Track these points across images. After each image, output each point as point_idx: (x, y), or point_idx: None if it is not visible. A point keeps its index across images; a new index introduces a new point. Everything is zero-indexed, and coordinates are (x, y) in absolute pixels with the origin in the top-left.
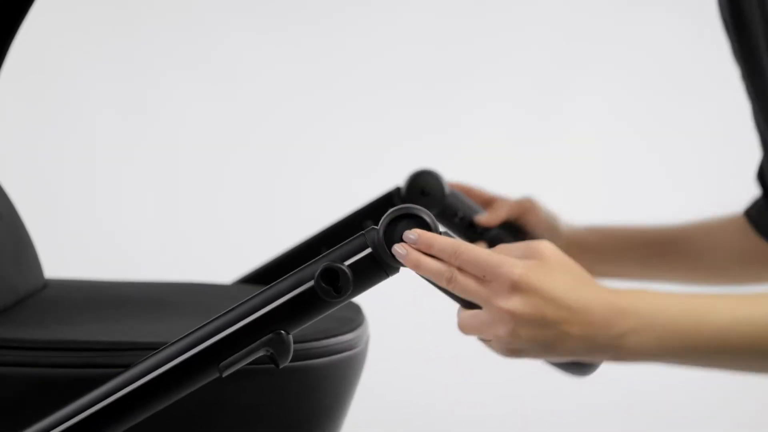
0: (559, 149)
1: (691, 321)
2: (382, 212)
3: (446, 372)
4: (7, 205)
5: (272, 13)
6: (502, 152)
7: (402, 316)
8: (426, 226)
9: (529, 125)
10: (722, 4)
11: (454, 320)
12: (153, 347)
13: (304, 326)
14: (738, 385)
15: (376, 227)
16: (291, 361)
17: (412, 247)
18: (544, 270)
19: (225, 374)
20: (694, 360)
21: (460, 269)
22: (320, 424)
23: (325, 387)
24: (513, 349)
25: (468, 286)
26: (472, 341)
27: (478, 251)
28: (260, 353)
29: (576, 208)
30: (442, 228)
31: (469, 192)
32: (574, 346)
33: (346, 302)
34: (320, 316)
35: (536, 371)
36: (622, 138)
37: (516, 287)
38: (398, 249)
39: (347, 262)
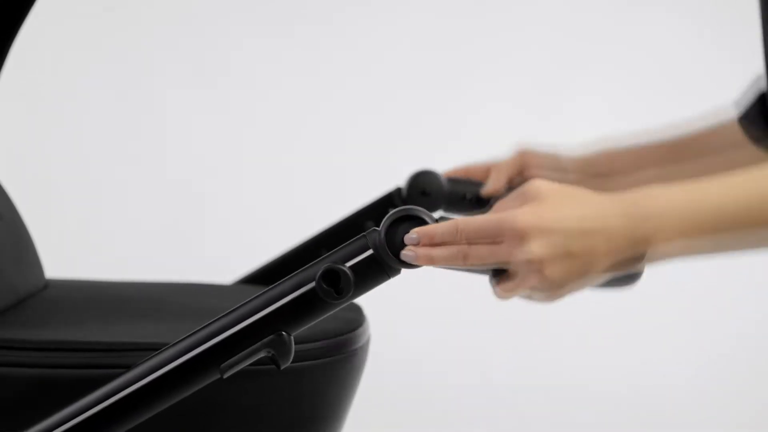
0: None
1: (712, 203)
2: (383, 213)
3: (447, 372)
4: (7, 205)
5: (272, 13)
6: (503, 152)
7: (403, 317)
8: None
9: (529, 125)
10: None
11: (455, 320)
12: (154, 348)
13: (305, 327)
14: (738, 385)
15: (377, 228)
16: (292, 362)
17: (417, 246)
18: (545, 207)
19: (226, 375)
20: (721, 243)
21: (469, 244)
22: (321, 424)
23: (326, 388)
24: (553, 293)
25: (483, 254)
26: (472, 341)
27: (477, 219)
28: (261, 354)
29: None
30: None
31: (466, 171)
32: (607, 265)
33: (347, 303)
34: (321, 317)
35: (537, 371)
36: None
37: (526, 235)
38: (407, 253)
39: (348, 264)
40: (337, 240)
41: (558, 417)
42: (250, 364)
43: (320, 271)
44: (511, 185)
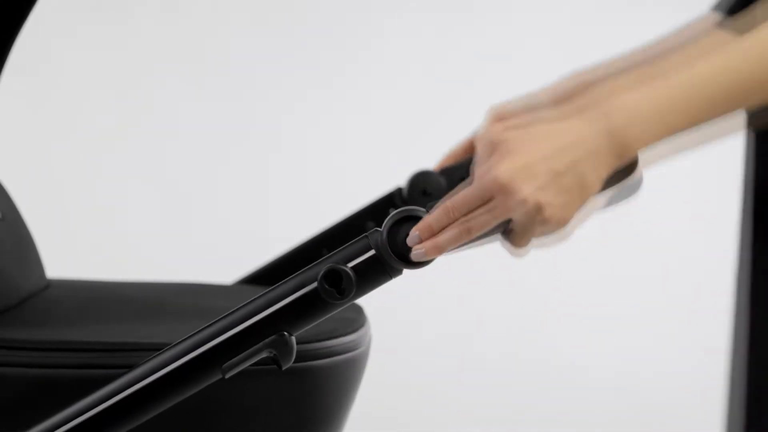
0: None
1: (681, 92)
2: (384, 213)
3: (447, 373)
4: (9, 205)
5: (273, 13)
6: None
7: (404, 317)
8: None
9: None
10: None
11: (455, 321)
12: (155, 348)
13: (307, 328)
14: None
15: (379, 229)
16: (294, 363)
17: (422, 243)
18: (514, 147)
19: (228, 375)
20: (691, 115)
21: (466, 218)
22: (322, 424)
23: (328, 388)
24: (560, 224)
25: (483, 220)
26: (472, 342)
27: (462, 191)
28: (263, 354)
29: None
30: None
31: (453, 157)
32: (598, 179)
33: (349, 304)
34: (323, 318)
35: (537, 370)
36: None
37: (509, 183)
38: (416, 253)
39: (350, 264)
40: (338, 240)
41: (561, 415)
42: (252, 365)
43: (322, 272)
44: None
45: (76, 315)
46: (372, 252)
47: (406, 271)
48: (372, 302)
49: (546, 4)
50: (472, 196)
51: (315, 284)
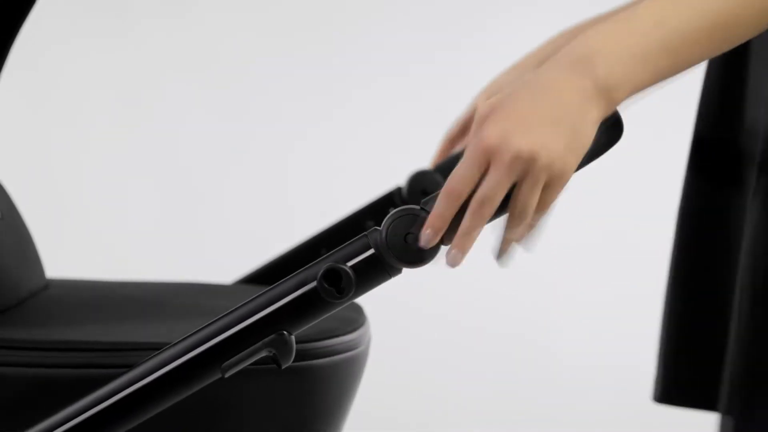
0: None
1: (650, 19)
2: (383, 212)
3: (448, 372)
4: (8, 204)
5: (272, 13)
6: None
7: (404, 317)
8: None
9: None
10: None
11: (455, 320)
12: (155, 348)
13: (306, 327)
14: None
15: (378, 228)
16: (293, 362)
17: (435, 235)
18: (495, 110)
19: (227, 375)
20: (675, 57)
21: (472, 195)
22: (322, 424)
23: (327, 387)
24: (562, 167)
25: (490, 187)
26: (472, 342)
27: (455, 170)
28: (263, 354)
29: (580, 208)
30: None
31: (450, 143)
32: (586, 112)
33: (348, 303)
34: (322, 317)
35: (538, 371)
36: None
37: (499, 143)
38: (450, 259)
39: (350, 263)
40: (338, 239)
41: (561, 414)
42: (251, 364)
43: (321, 271)
44: None
45: (75, 315)
46: (371, 251)
47: (405, 270)
48: (372, 301)
49: (546, 3)
50: (467, 168)
51: (314, 283)
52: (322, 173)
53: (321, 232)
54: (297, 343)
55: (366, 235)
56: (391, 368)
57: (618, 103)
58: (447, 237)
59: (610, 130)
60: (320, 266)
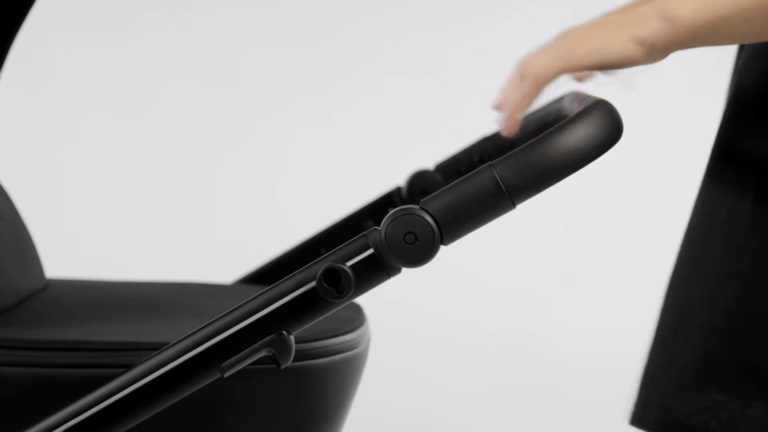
0: None
1: None
2: (383, 212)
3: (448, 372)
4: (8, 205)
5: (272, 13)
6: None
7: (403, 317)
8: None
9: None
10: None
11: (455, 320)
12: (154, 347)
13: (305, 326)
14: None
15: (377, 228)
16: (292, 362)
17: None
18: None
19: (227, 375)
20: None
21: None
22: (321, 424)
23: (327, 387)
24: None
25: (534, 64)
26: (472, 342)
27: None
28: (262, 353)
29: (581, 209)
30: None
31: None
32: (638, 24)
33: (348, 303)
34: (322, 317)
35: (538, 371)
36: (624, 139)
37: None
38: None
39: (349, 263)
40: (337, 239)
41: (562, 414)
42: (251, 364)
43: (321, 271)
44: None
45: (75, 315)
46: (371, 251)
47: (404, 270)
48: (371, 301)
49: (545, 8)
50: (508, 82)
51: (314, 283)
52: (323, 173)
53: (320, 232)
54: (296, 343)
55: (365, 235)
56: (390, 368)
57: (678, 35)
58: (447, 237)
59: (610, 131)
60: (319, 266)
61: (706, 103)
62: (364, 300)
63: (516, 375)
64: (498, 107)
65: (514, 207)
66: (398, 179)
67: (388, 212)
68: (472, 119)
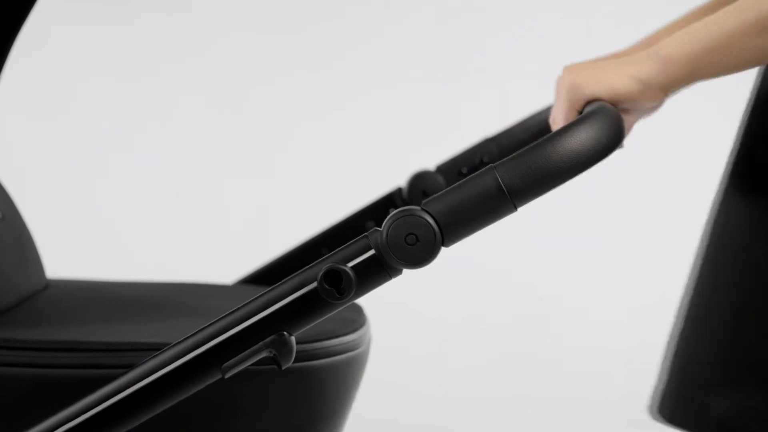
0: None
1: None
2: (384, 213)
3: (448, 372)
4: (8, 205)
5: (272, 13)
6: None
7: (404, 318)
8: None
9: None
10: None
11: (455, 320)
12: (155, 348)
13: (306, 327)
14: None
15: (379, 229)
16: (293, 362)
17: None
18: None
19: (227, 375)
20: (719, 45)
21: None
22: (322, 424)
23: (328, 388)
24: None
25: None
26: (473, 342)
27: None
28: (263, 354)
29: (580, 211)
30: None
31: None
32: (628, 60)
33: (349, 304)
34: (323, 318)
35: (537, 369)
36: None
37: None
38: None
39: (350, 264)
40: (338, 240)
41: (562, 418)
42: (252, 365)
43: (322, 271)
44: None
45: (75, 315)
46: (372, 252)
47: (406, 271)
48: (372, 302)
49: (546, 3)
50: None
51: (315, 284)
52: (323, 173)
53: (322, 233)
54: (297, 343)
55: (366, 236)
56: (391, 368)
57: (674, 75)
58: (448, 239)
59: (612, 137)
60: (321, 267)
61: (720, 104)
62: (365, 301)
63: (517, 377)
64: None
65: (516, 209)
66: (399, 180)
67: (389, 213)
68: (474, 120)
